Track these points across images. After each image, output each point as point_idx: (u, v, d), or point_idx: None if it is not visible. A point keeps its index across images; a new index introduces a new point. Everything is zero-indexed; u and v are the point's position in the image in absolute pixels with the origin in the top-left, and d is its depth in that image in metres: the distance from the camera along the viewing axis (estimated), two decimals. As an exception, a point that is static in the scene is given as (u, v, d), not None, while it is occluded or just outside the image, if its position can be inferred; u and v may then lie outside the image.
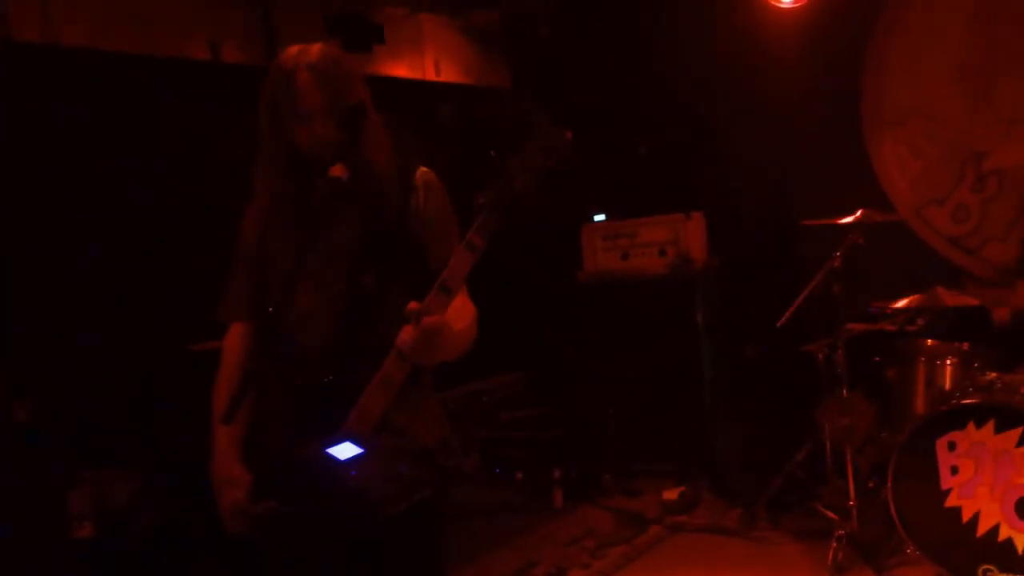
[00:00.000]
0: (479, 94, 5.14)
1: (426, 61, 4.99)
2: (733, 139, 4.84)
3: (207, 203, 3.94)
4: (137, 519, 3.54)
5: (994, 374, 3.29)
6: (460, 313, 1.80)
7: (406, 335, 1.68)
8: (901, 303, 3.77)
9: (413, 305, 1.67)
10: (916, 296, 3.71)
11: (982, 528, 3.06)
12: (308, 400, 1.79)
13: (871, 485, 3.58)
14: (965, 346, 3.62)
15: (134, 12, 3.80)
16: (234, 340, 1.99)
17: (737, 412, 4.58)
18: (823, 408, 3.92)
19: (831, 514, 3.59)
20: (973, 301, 3.78)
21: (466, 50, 5.18)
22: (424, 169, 1.94)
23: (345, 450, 1.81)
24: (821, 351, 3.95)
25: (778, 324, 3.84)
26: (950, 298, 3.69)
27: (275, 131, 1.91)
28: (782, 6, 4.35)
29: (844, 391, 3.64)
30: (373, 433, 1.73)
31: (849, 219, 3.63)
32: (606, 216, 5.02)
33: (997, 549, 3.02)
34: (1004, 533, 3.02)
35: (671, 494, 4.19)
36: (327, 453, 1.79)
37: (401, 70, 4.88)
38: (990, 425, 3.09)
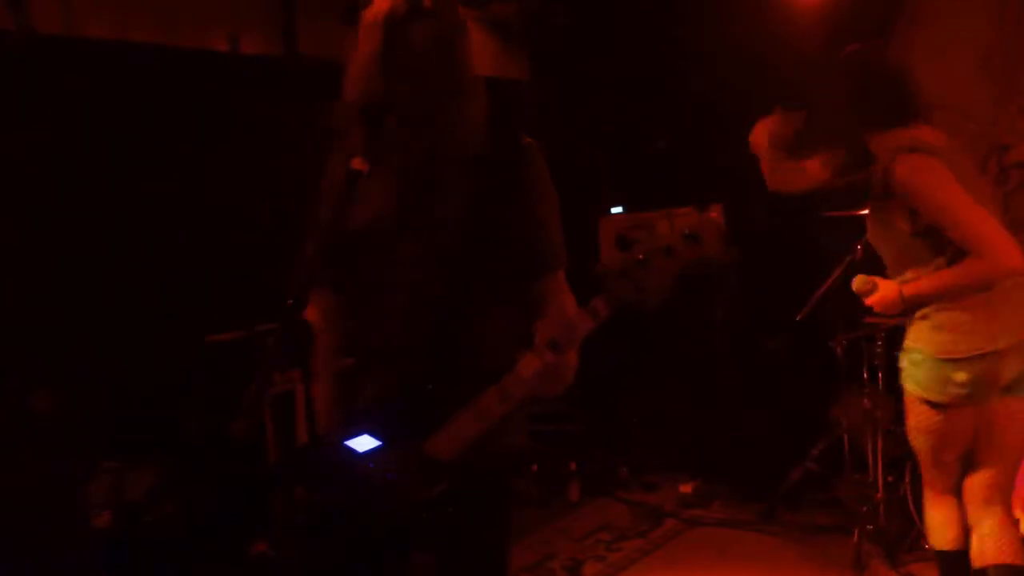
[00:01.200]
0: (497, 85, 5.13)
1: (442, 52, 4.98)
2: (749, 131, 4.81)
3: (227, 195, 3.96)
4: (155, 510, 3.57)
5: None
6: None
7: (523, 372, 1.59)
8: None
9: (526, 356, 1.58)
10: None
11: (1003, 523, 3.02)
12: (399, 398, 1.73)
13: (889, 479, 3.55)
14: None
15: (155, 4, 3.82)
16: (326, 305, 1.90)
17: (755, 405, 4.55)
18: (842, 402, 3.89)
19: (858, 508, 3.57)
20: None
21: (484, 42, 5.16)
22: (529, 140, 1.83)
23: (364, 443, 1.82)
24: (840, 344, 3.92)
25: (798, 318, 3.82)
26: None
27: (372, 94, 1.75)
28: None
29: (864, 385, 3.62)
30: (457, 457, 1.65)
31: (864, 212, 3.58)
32: (623, 209, 4.99)
33: (1017, 545, 2.99)
34: (1022, 529, 2.99)
35: (687, 487, 4.18)
36: (346, 445, 1.81)
37: (418, 62, 4.87)
38: (1011, 420, 3.05)
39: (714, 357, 4.59)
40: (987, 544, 2.48)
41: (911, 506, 3.19)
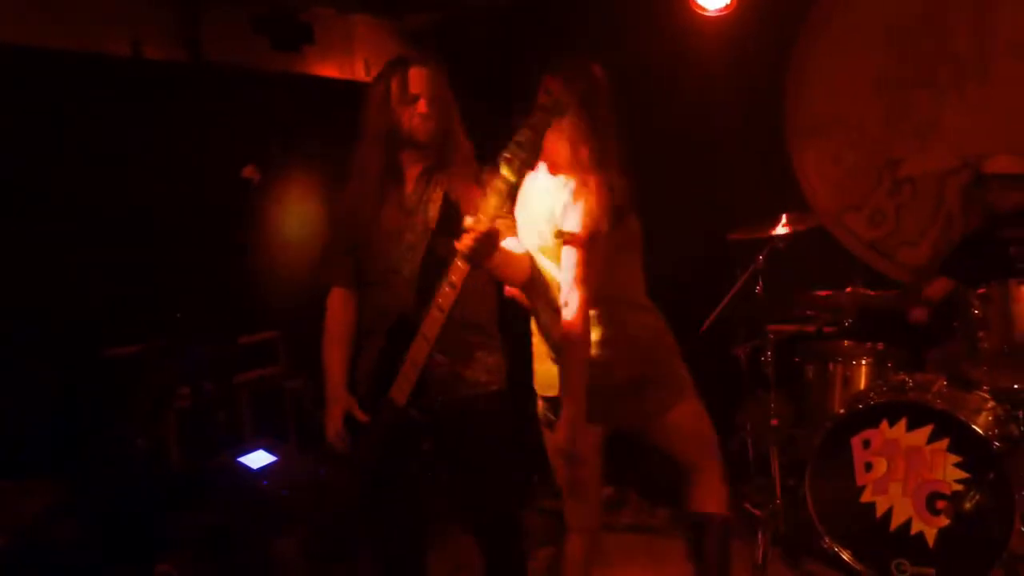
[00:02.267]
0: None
1: (356, 62, 4.95)
2: (662, 143, 4.90)
3: (126, 202, 3.86)
4: (52, 530, 3.43)
5: (906, 374, 3.41)
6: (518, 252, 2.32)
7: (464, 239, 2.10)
8: (820, 304, 3.89)
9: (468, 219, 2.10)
10: (834, 298, 3.83)
11: (895, 522, 3.16)
12: (392, 341, 2.29)
13: (791, 483, 3.66)
14: (880, 346, 3.74)
15: (57, 8, 3.70)
16: (336, 300, 2.52)
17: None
18: (746, 408, 4.00)
19: (757, 512, 3.67)
20: (889, 302, 3.91)
21: (398, 51, 5.15)
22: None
23: (258, 459, 1.82)
24: (744, 352, 4.04)
25: (702, 329, 3.92)
26: (867, 300, 3.82)
27: (381, 117, 2.38)
28: (707, 14, 4.43)
29: (767, 391, 3.73)
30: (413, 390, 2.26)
31: (771, 232, 3.68)
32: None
33: (909, 543, 3.12)
34: (916, 527, 3.13)
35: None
36: (239, 463, 1.81)
37: (331, 70, 4.83)
38: (902, 423, 3.19)
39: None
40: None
41: (810, 508, 3.29)
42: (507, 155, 2.07)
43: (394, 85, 2.36)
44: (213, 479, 2.20)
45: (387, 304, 2.35)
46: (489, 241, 2.12)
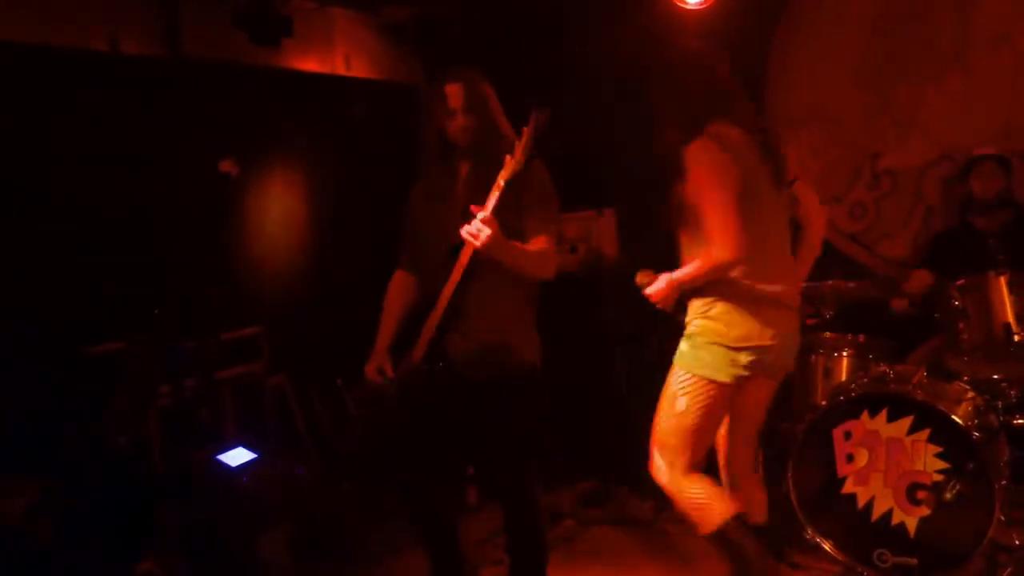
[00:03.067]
0: (391, 90, 5.10)
1: (336, 55, 4.92)
2: (644, 137, 4.90)
3: (105, 199, 3.82)
4: (34, 529, 3.40)
5: (887, 365, 3.43)
6: (536, 249, 2.75)
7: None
8: (802, 296, 3.91)
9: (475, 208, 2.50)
10: (816, 290, 3.84)
11: (876, 513, 3.19)
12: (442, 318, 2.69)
13: (775, 475, 3.67)
14: (861, 338, 3.77)
15: (34, 3, 3.66)
16: (397, 281, 3.02)
17: (648, 405, 4.65)
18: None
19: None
20: (869, 293, 3.94)
21: (377, 45, 5.13)
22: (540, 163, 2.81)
23: (237, 456, 1.81)
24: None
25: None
26: (848, 291, 3.84)
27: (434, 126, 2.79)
28: (688, 7, 4.43)
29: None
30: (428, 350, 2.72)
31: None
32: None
33: (891, 533, 3.15)
34: (897, 518, 3.15)
35: (585, 487, 4.24)
36: (218, 460, 1.80)
37: (311, 64, 4.80)
38: (883, 414, 3.22)
39: (608, 358, 4.67)
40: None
41: (793, 499, 3.31)
42: (508, 156, 2.51)
43: (437, 100, 2.77)
44: (194, 477, 2.21)
45: (436, 291, 2.70)
46: (489, 229, 2.47)
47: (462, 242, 2.56)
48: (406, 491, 3.00)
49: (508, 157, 2.52)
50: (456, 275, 2.61)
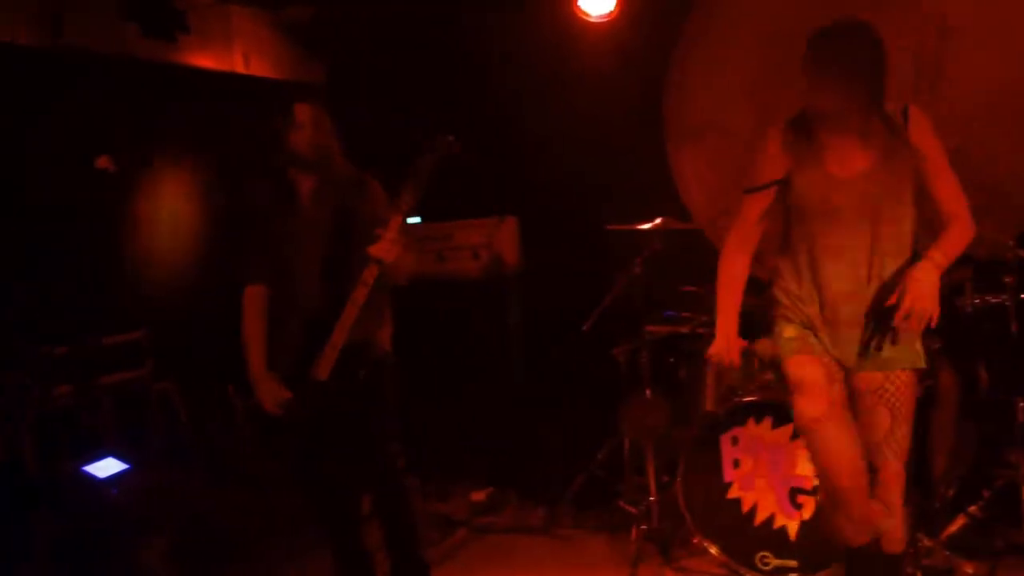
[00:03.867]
0: (289, 89, 5.01)
1: (235, 53, 4.80)
2: (546, 145, 4.94)
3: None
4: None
5: (772, 373, 3.53)
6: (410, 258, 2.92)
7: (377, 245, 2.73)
8: (695, 306, 3.99)
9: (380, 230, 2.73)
10: (707, 299, 3.93)
11: (760, 517, 3.27)
12: (309, 331, 2.85)
13: (665, 480, 3.74)
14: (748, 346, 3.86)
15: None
16: (252, 295, 3.00)
17: (545, 413, 4.68)
18: (624, 408, 4.07)
19: (631, 509, 3.74)
20: (757, 304, 4.04)
21: (278, 45, 5.03)
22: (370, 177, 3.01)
23: (106, 467, 1.74)
24: (623, 353, 4.10)
25: (584, 328, 3.96)
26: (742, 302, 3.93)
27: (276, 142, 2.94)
28: (591, 19, 4.48)
29: (644, 391, 3.80)
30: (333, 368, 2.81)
31: (649, 225, 3.79)
32: (421, 218, 5.00)
33: (773, 536, 3.24)
34: (779, 522, 3.24)
35: (479, 495, 4.22)
36: (84, 472, 1.73)
37: (207, 61, 4.67)
38: (768, 421, 3.31)
39: (507, 366, 4.68)
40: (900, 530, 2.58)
41: (682, 504, 3.37)
42: (408, 183, 2.77)
43: (284, 117, 2.93)
44: (63, 487, 2.12)
45: (296, 299, 2.90)
46: (397, 248, 2.74)
47: (334, 258, 2.83)
48: (317, 506, 3.09)
49: (408, 183, 2.79)
50: (360, 294, 2.77)
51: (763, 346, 2.94)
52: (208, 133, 4.60)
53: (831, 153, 2.46)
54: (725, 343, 2.70)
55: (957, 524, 3.24)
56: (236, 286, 3.02)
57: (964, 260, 3.42)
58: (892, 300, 2.39)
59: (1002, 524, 3.26)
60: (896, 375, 2.49)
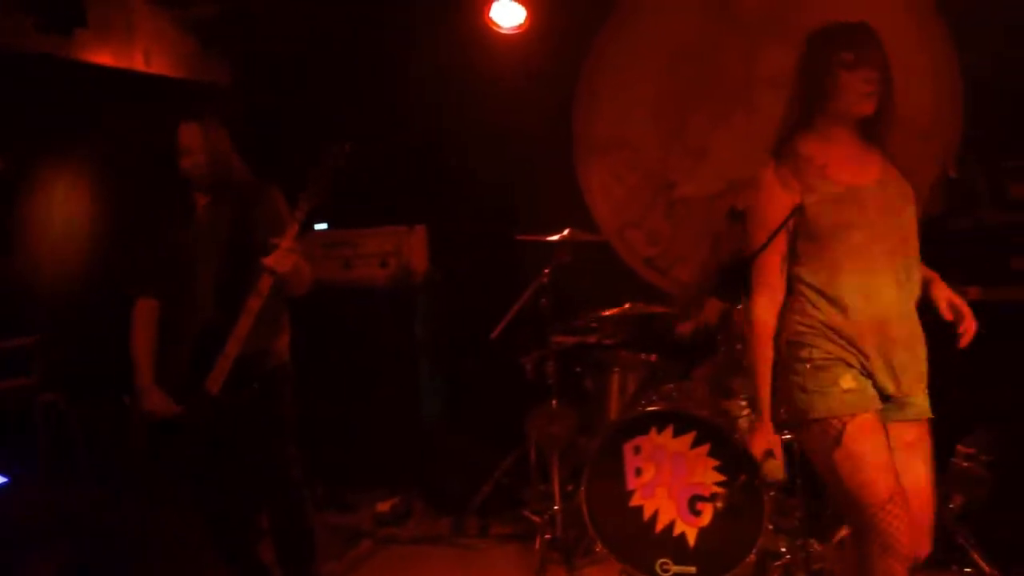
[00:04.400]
0: (193, 89, 4.86)
1: (135, 50, 4.63)
2: (458, 155, 4.96)
3: None
4: None
5: (674, 384, 3.63)
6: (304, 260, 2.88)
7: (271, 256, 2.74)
8: (601, 317, 4.07)
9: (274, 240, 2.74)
10: (614, 311, 4.01)
11: (660, 524, 3.34)
12: (201, 342, 2.81)
13: (570, 488, 3.79)
14: (653, 357, 3.95)
15: None
16: (143, 309, 2.98)
17: (451, 422, 4.69)
18: (531, 417, 4.10)
19: (536, 518, 3.77)
20: (664, 320, 4.14)
21: (182, 43, 4.88)
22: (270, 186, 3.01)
23: None
24: (530, 363, 4.14)
25: (491, 336, 3.98)
26: (643, 313, 4.03)
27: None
28: (502, 31, 4.52)
29: (550, 400, 3.85)
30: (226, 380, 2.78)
31: (557, 237, 3.85)
32: (328, 225, 4.93)
33: (673, 543, 3.31)
34: (679, 528, 3.33)
35: (384, 506, 4.19)
36: None
37: (105, 58, 4.49)
38: (669, 430, 3.39)
39: (414, 375, 4.66)
40: None
41: (585, 513, 3.42)
42: (302, 194, 2.77)
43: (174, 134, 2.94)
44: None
45: (191, 311, 2.87)
46: (291, 258, 2.74)
47: (229, 271, 2.82)
48: (210, 521, 3.04)
49: (303, 194, 2.79)
50: (254, 305, 2.76)
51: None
52: (105, 133, 4.42)
53: (837, 166, 2.26)
54: (767, 437, 2.31)
55: (845, 529, 3.38)
56: (128, 297, 2.97)
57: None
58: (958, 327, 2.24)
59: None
60: (924, 425, 2.28)
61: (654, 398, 3.56)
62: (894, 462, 2.18)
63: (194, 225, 2.95)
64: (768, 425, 2.30)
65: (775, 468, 2.31)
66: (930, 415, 2.28)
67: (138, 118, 4.50)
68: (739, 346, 3.58)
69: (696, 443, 3.34)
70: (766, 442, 2.30)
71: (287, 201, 2.97)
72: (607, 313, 4.01)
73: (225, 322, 2.78)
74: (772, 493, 3.26)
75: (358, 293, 4.71)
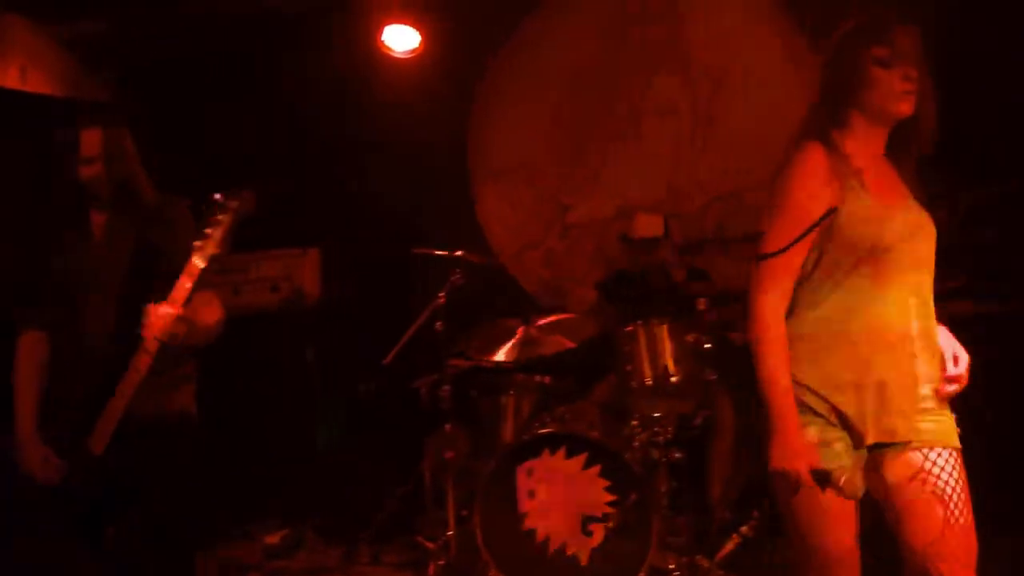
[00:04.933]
0: (72, 107, 4.68)
1: (10, 66, 4.43)
2: (356, 178, 4.91)
3: None
4: None
5: (567, 406, 3.66)
6: (208, 309, 2.53)
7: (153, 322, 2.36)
8: (497, 340, 4.07)
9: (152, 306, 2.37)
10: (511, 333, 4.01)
11: (553, 547, 3.34)
12: (94, 387, 2.44)
13: (464, 513, 3.76)
14: (547, 380, 3.97)
15: None
16: (28, 343, 2.62)
17: (346, 450, 4.60)
18: (426, 442, 4.07)
19: (429, 544, 3.73)
20: (557, 338, 4.18)
21: (62, 60, 4.70)
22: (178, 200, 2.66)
23: None
24: (425, 387, 4.11)
25: (385, 361, 3.93)
26: (537, 335, 4.05)
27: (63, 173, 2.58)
28: (396, 55, 4.52)
29: (446, 425, 3.81)
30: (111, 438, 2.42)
31: (450, 254, 3.82)
32: (217, 248, 4.80)
33: (565, 564, 3.31)
34: (571, 550, 3.32)
35: (273, 538, 4.07)
36: None
37: (-24, 74, 4.29)
38: (562, 452, 3.40)
39: (307, 401, 4.56)
40: None
41: (479, 537, 3.39)
42: (198, 243, 2.37)
43: (69, 145, 2.57)
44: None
45: (83, 349, 2.52)
46: (177, 327, 2.38)
47: (128, 302, 2.45)
48: None
49: (198, 243, 2.38)
50: (142, 364, 2.38)
51: None
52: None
53: (873, 177, 1.97)
54: (793, 449, 1.88)
55: (731, 545, 3.46)
56: (11, 330, 2.64)
57: (735, 297, 3.73)
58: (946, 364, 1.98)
59: (771, 541, 3.51)
60: (937, 453, 1.92)
61: (547, 420, 3.57)
62: (855, 521, 1.92)
63: (89, 247, 2.60)
64: (798, 441, 1.87)
65: (846, 482, 1.81)
66: (948, 444, 1.94)
67: (14, 136, 4.30)
68: (629, 368, 3.63)
69: (588, 464, 3.36)
70: (807, 461, 1.86)
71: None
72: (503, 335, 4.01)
73: (122, 365, 2.42)
74: (661, 512, 3.30)
75: (248, 319, 4.58)
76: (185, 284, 2.37)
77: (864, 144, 1.99)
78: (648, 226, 4.16)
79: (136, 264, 2.54)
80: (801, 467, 1.84)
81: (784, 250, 1.92)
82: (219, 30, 4.79)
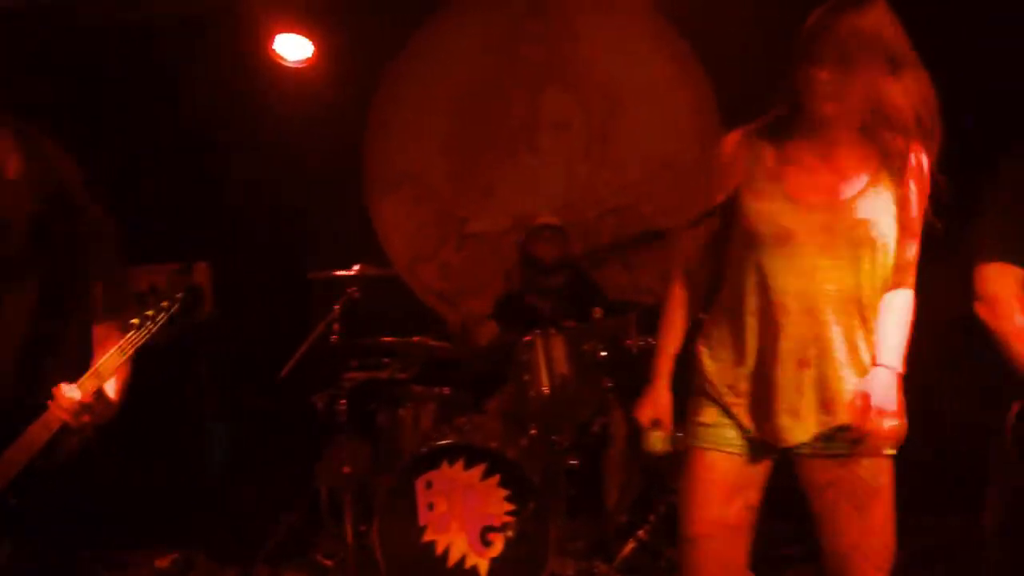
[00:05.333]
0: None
1: None
2: (247, 190, 4.81)
3: None
4: None
5: (466, 416, 3.67)
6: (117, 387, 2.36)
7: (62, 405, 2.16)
8: (393, 351, 4.06)
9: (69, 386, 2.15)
10: (406, 344, 4.01)
11: (452, 559, 3.34)
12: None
13: (363, 529, 3.72)
14: (446, 391, 3.98)
15: None
16: None
17: (239, 469, 4.48)
18: (323, 457, 4.00)
19: (328, 562, 3.66)
20: (450, 353, 4.19)
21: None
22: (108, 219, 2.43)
23: None
24: (321, 401, 4.05)
25: (281, 375, 3.86)
26: (434, 346, 4.05)
27: None
28: (288, 64, 4.45)
29: (342, 439, 3.77)
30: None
31: (348, 273, 3.80)
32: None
33: (465, 576, 3.33)
34: (471, 561, 3.34)
35: (163, 562, 3.92)
36: None
37: None
38: (460, 462, 3.41)
39: (198, 419, 4.43)
40: None
41: (378, 553, 3.36)
42: (135, 321, 2.24)
43: None
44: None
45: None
46: (85, 418, 2.20)
47: (38, 337, 2.27)
48: None
49: (136, 320, 2.25)
50: (53, 422, 2.19)
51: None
52: None
53: (797, 173, 1.96)
54: (644, 400, 2.10)
55: (628, 548, 3.54)
56: None
57: (629, 306, 3.83)
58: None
59: (666, 544, 3.60)
60: (856, 462, 1.91)
61: (446, 431, 3.57)
62: (730, 505, 1.97)
63: (18, 278, 2.30)
64: (661, 392, 2.08)
65: (657, 439, 2.07)
66: (881, 452, 1.91)
67: None
68: (527, 377, 3.67)
69: (486, 474, 3.38)
70: (654, 410, 2.07)
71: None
72: (399, 347, 4.00)
73: (25, 399, 2.22)
74: (560, 519, 3.35)
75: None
76: (93, 381, 2.19)
77: (805, 141, 1.95)
78: (548, 218, 4.25)
79: (48, 291, 2.29)
80: (642, 417, 2.08)
81: (692, 225, 2.06)
82: (110, 39, 4.62)
